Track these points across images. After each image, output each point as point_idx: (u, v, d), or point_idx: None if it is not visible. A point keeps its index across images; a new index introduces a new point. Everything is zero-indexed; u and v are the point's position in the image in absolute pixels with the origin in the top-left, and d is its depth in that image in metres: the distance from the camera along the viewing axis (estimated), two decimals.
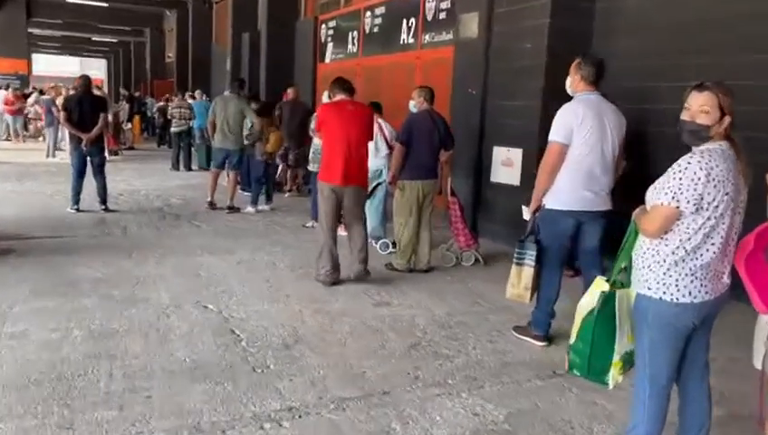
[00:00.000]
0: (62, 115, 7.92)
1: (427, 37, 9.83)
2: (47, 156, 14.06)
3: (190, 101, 13.95)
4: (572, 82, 4.12)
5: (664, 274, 2.37)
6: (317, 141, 7.41)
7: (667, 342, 2.42)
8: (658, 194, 2.35)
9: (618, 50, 6.18)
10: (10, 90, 17.83)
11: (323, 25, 13.96)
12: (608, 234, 4.15)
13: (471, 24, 7.49)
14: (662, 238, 2.38)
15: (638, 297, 2.46)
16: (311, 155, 7.53)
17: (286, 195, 9.80)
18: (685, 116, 2.38)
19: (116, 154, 15.25)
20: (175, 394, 3.13)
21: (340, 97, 5.28)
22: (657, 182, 2.41)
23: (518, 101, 6.78)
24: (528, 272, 4.05)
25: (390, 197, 6.17)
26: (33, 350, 3.57)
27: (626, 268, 2.60)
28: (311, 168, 7.55)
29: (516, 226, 6.83)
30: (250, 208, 8.58)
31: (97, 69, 55.36)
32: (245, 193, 9.93)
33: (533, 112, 6.54)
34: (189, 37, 24.21)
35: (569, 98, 4.14)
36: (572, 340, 2.74)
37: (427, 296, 4.98)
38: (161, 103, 19.65)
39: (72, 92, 9.17)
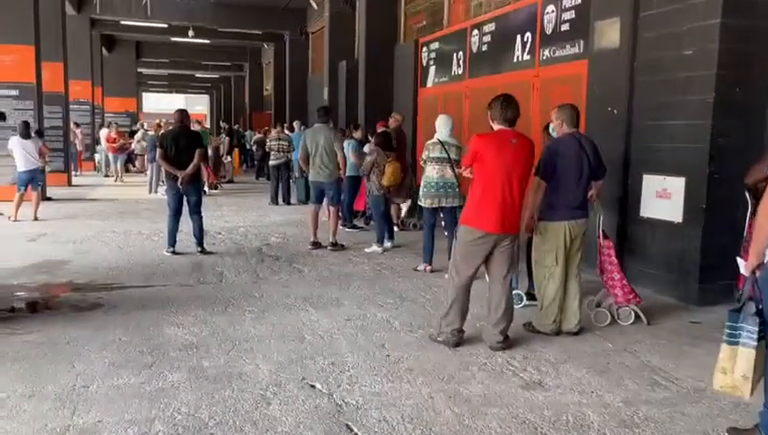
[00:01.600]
0: (157, 152, 7.48)
1: (546, 53, 8.75)
2: (149, 192, 14.05)
3: (288, 132, 13.54)
4: None
5: None
6: (430, 173, 6.52)
7: None
8: None
9: None
10: (112, 127, 17.82)
11: (424, 48, 13.19)
12: None
13: (610, 33, 6.38)
14: None
15: None
16: (422, 189, 6.63)
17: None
18: None
19: (215, 188, 15.10)
20: None
21: (499, 127, 4.29)
22: None
23: (678, 120, 5.58)
24: (747, 354, 2.90)
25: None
26: None
27: None
28: (422, 203, 6.64)
29: (678, 271, 5.59)
30: (375, 247, 7.77)
31: (200, 105, 58.05)
32: (347, 229, 9.24)
33: (701, 133, 5.33)
34: (286, 69, 24.27)
35: (751, 114, 2.98)
36: None
37: (589, 373, 3.88)
38: (259, 136, 19.60)
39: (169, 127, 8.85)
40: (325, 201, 7.93)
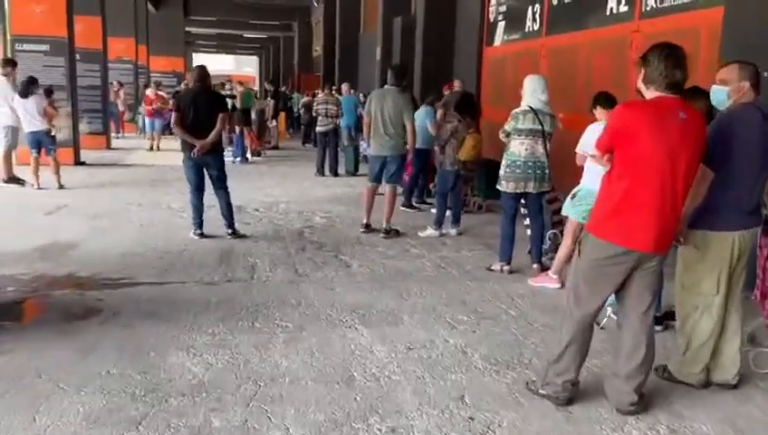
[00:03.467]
0: (173, 116, 6.36)
1: (650, 2, 7.18)
2: None
3: (337, 96, 12.25)
4: None
5: None
6: (515, 149, 5.19)
7: None
8: None
9: None
10: (151, 87, 16.22)
11: (492, 1, 11.62)
12: None
13: None
14: None
15: None
16: (504, 169, 5.29)
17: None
18: None
19: (258, 155, 14.04)
20: None
21: (659, 94, 2.83)
22: None
23: None
24: None
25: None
26: None
27: None
28: (502, 187, 5.32)
29: None
30: (432, 231, 6.59)
31: (249, 66, 57.23)
32: (401, 208, 8.03)
33: None
34: (336, 27, 22.90)
35: None
36: None
37: None
38: (306, 99, 18.39)
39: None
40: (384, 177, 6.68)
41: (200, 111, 6.03)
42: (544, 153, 5.18)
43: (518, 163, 5.17)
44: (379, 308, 4.37)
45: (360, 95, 15.46)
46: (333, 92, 12.13)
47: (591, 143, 4.70)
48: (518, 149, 5.15)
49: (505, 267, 5.34)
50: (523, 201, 5.49)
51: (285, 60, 38.53)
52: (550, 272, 4.99)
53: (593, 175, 4.71)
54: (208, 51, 49.91)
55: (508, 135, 5.27)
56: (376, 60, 17.14)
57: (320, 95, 12.11)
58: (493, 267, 5.41)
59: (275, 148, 16.05)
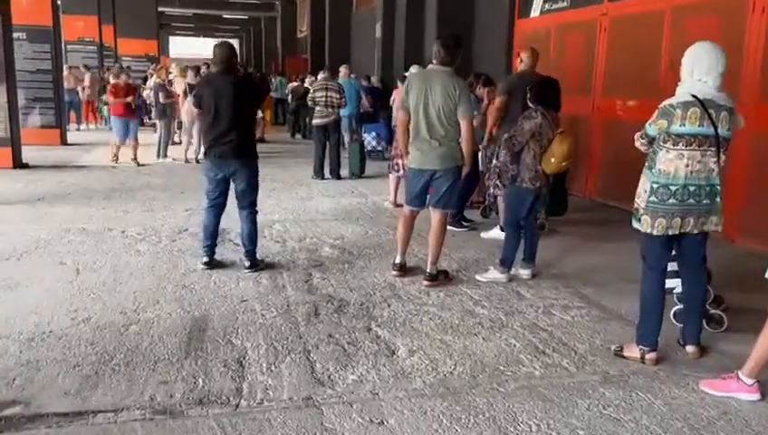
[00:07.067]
0: (190, 104, 4.67)
1: None
2: (157, 156, 10.87)
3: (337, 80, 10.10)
4: None
5: None
6: (669, 167, 3.15)
7: None
8: None
9: None
10: (112, 73, 11.03)
11: None
12: None
13: None
14: None
15: None
16: (644, 197, 3.23)
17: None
18: None
19: None
20: None
21: None
22: None
23: None
24: None
25: None
26: None
27: None
28: (642, 226, 3.28)
29: None
30: (497, 274, 4.61)
31: None
32: (454, 228, 6.07)
33: None
34: (326, 4, 20.65)
35: None
36: None
37: None
38: (295, 83, 16.19)
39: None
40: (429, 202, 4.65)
41: (224, 102, 4.44)
42: (718, 172, 3.16)
43: (673, 189, 3.13)
44: None
45: (364, 80, 13.33)
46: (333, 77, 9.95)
47: None
48: (673, 165, 3.10)
49: (649, 355, 3.32)
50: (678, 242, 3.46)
51: (268, 42, 36.18)
52: (741, 373, 2.98)
53: None
54: (185, 33, 47.19)
55: (652, 141, 3.23)
56: (376, 37, 15.01)
57: (318, 79, 9.91)
58: (626, 354, 3.38)
59: (261, 141, 13.90)
